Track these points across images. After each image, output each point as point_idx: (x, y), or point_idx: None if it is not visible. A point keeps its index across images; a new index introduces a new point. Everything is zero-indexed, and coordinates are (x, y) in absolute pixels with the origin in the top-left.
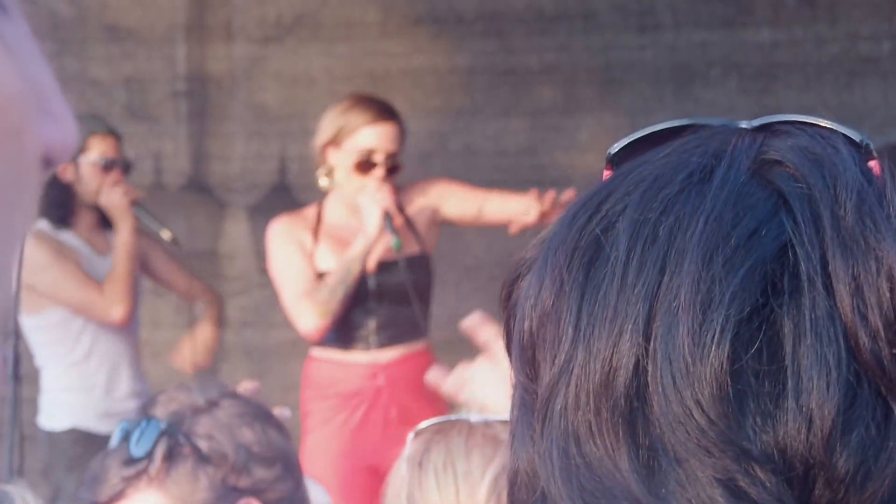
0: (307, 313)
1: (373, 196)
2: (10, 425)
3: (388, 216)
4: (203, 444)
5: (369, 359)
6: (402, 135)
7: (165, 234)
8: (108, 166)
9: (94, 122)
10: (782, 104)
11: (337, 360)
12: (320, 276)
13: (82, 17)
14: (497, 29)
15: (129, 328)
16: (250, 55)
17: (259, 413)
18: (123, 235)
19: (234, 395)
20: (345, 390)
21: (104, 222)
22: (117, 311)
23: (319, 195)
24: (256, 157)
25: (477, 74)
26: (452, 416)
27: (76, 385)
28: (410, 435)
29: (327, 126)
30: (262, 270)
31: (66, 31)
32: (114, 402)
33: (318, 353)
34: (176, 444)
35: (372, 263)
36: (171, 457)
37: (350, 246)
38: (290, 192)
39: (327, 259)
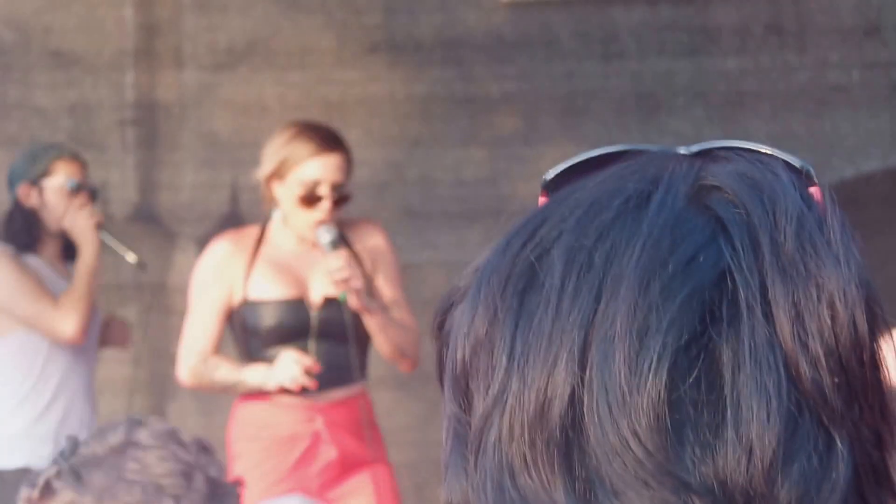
0: (187, 369)
1: (285, 363)
2: None
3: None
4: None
5: (307, 401)
6: (348, 164)
7: (131, 258)
8: (75, 190)
9: (57, 147)
10: (749, 134)
11: (271, 400)
12: (247, 303)
13: (26, 42)
14: (456, 56)
15: (86, 361)
16: (201, 82)
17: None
18: (87, 257)
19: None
20: (280, 433)
21: (66, 253)
22: (69, 326)
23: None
24: (207, 187)
25: (435, 103)
26: None
27: (29, 419)
28: None
29: (270, 158)
30: None
31: (9, 57)
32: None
33: None
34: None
35: (318, 298)
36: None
37: (290, 279)
38: (241, 223)
39: (259, 287)
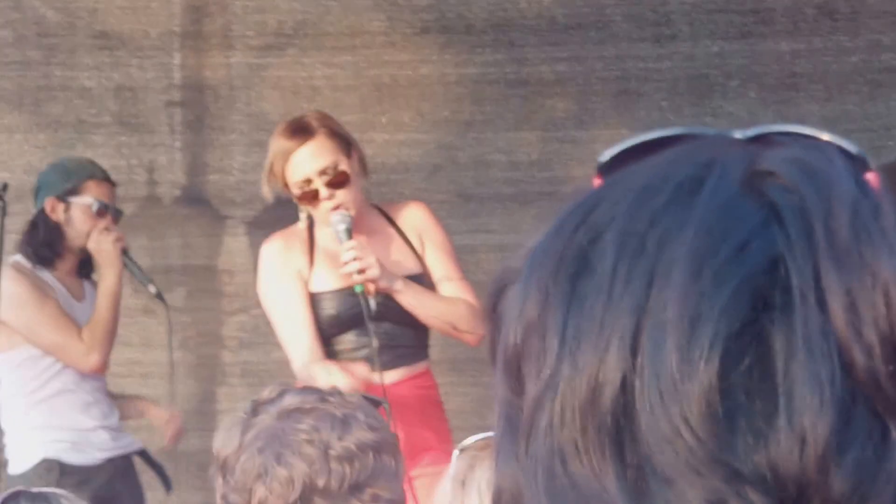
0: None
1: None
2: None
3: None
4: None
5: (369, 381)
6: (330, 141)
7: (151, 288)
8: (100, 211)
9: (92, 167)
10: (804, 116)
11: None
12: (312, 296)
13: (71, 23)
14: (508, 38)
15: None
16: (249, 64)
17: None
18: (110, 282)
19: None
20: None
21: (80, 270)
22: (93, 360)
23: None
24: (256, 169)
25: (487, 85)
26: None
27: (43, 422)
28: (456, 452)
29: (264, 169)
30: None
31: (54, 38)
32: (85, 434)
33: None
34: None
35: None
36: None
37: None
38: (291, 206)
39: (319, 279)
